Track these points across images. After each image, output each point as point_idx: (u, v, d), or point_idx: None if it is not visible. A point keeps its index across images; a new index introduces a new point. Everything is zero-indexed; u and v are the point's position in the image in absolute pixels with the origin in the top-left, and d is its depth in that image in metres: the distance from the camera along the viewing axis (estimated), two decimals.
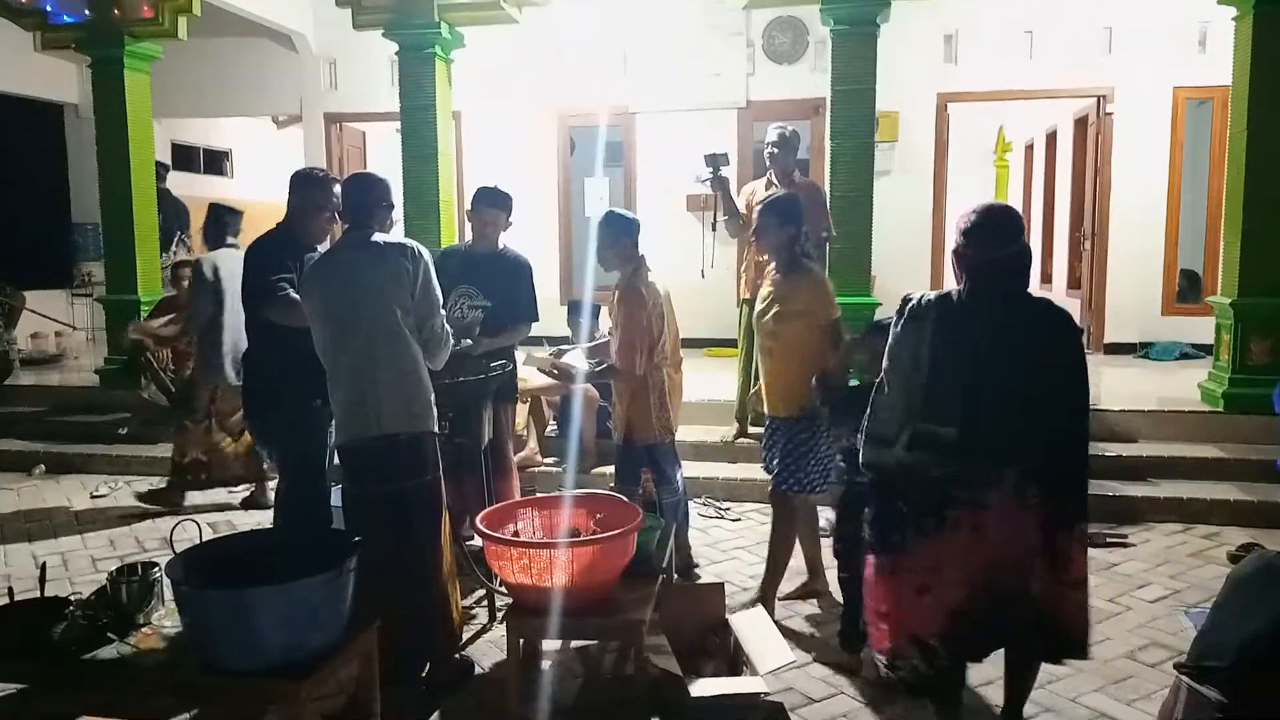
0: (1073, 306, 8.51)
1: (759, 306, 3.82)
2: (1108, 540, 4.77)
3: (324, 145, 9.40)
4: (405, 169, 6.75)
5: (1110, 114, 8.14)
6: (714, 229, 5.88)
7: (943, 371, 2.61)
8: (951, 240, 2.76)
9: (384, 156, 9.47)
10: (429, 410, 3.15)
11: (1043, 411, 2.58)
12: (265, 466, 5.33)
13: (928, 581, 2.62)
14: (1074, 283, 9.38)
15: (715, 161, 5.67)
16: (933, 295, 2.71)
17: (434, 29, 6.53)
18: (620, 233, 4.00)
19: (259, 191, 11.75)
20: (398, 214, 3.61)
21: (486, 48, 7.71)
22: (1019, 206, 13.52)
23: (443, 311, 3.23)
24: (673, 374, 4.10)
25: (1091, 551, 4.61)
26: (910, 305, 2.71)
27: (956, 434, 2.56)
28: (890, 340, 2.73)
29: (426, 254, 3.16)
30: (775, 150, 5.47)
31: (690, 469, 5.72)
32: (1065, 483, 2.63)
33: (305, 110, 9.49)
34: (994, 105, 9.83)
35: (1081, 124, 8.93)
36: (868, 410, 2.76)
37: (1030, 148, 12.11)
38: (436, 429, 3.20)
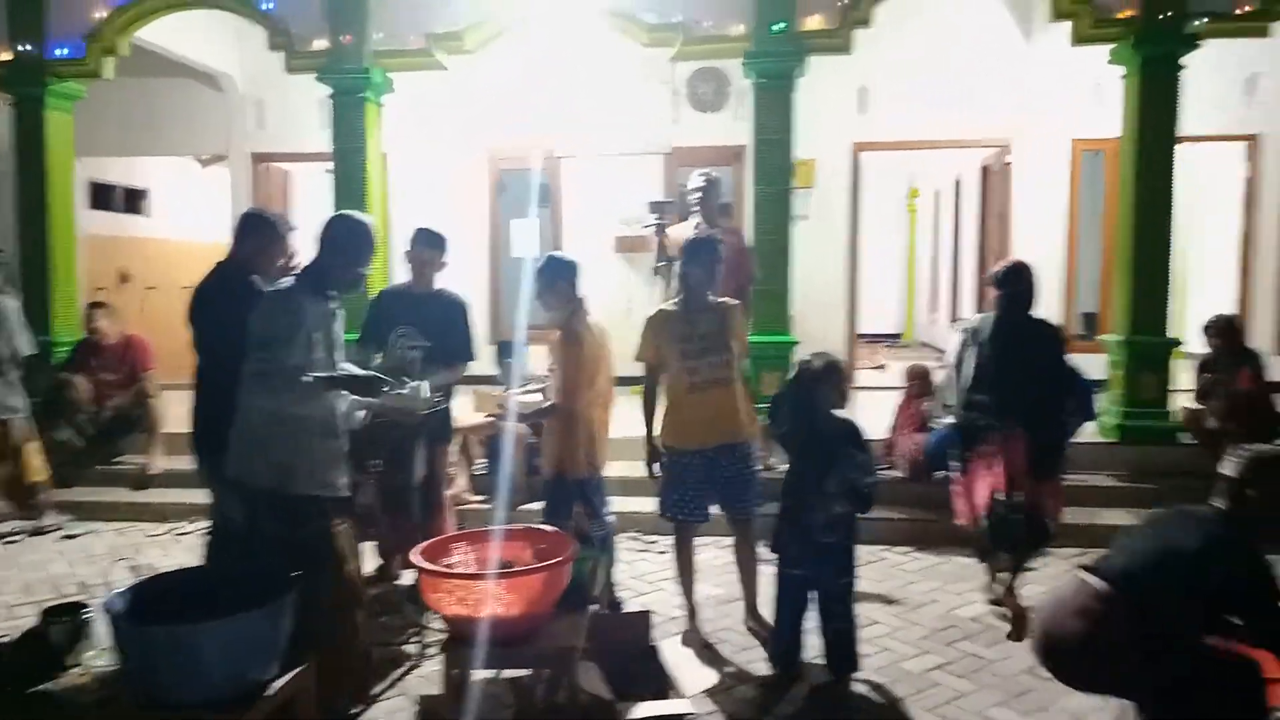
0: None
1: (693, 346, 4.01)
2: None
3: (250, 185, 9.36)
4: (336, 210, 6.81)
5: (1012, 163, 8.65)
6: (656, 273, 6.07)
7: (984, 362, 4.34)
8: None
9: (311, 196, 9.49)
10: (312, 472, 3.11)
11: (1037, 390, 4.23)
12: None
13: (977, 483, 4.39)
14: None
15: (660, 208, 5.92)
16: (977, 318, 4.64)
17: (365, 74, 6.66)
18: (559, 275, 4.12)
19: (179, 231, 11.61)
20: None
21: (417, 91, 7.84)
22: (930, 250, 14.14)
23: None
24: (601, 412, 4.24)
25: (995, 575, 4.91)
26: (967, 324, 4.61)
27: (991, 399, 4.29)
28: (956, 347, 4.51)
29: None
30: (700, 195, 5.73)
31: (617, 503, 5.85)
32: (1053, 432, 4.34)
33: (231, 150, 9.46)
34: (906, 153, 10.31)
35: (986, 172, 9.46)
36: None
37: (940, 194, 12.70)
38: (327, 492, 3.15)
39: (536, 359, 5.29)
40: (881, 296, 14.71)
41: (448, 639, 3.12)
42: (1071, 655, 2.85)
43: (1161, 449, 6.06)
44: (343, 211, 3.37)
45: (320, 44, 6.76)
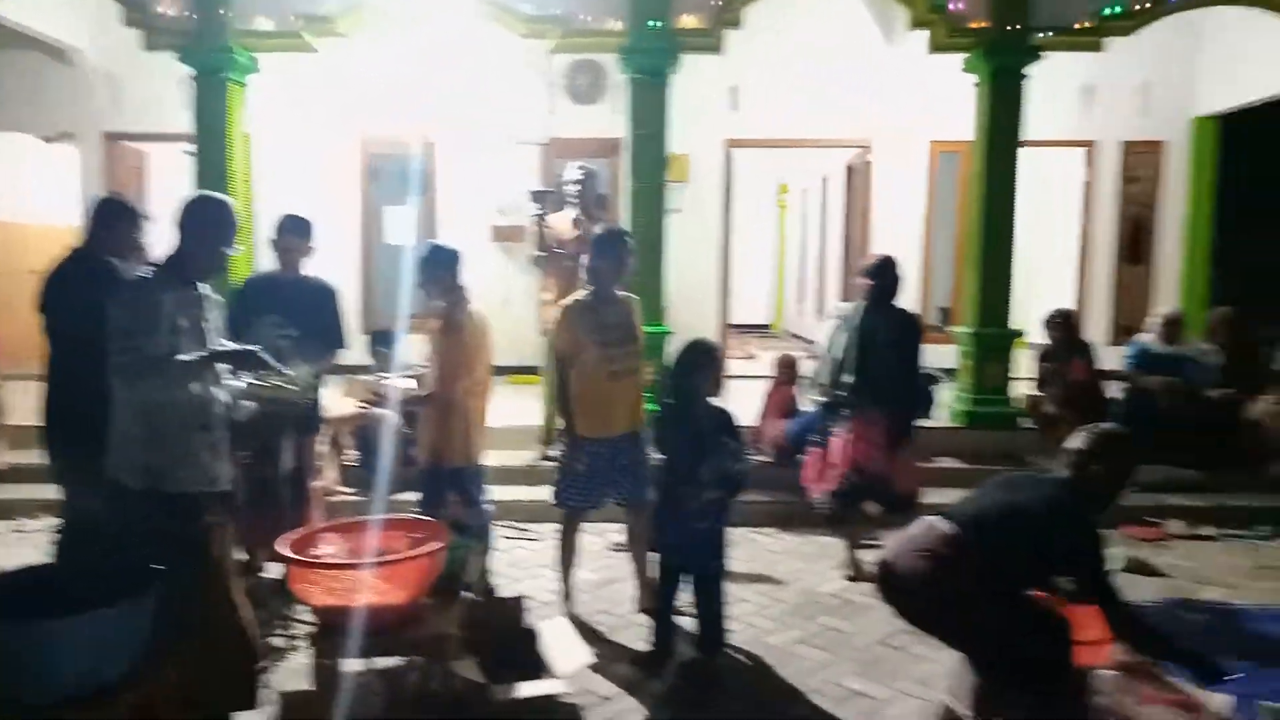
0: None
1: (609, 336, 4.10)
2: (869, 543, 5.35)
3: (102, 165, 8.87)
4: (196, 192, 6.55)
5: (873, 163, 9.06)
6: (534, 263, 6.10)
7: (851, 346, 4.73)
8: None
9: (169, 177, 9.05)
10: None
11: (896, 373, 4.69)
12: None
13: (835, 460, 4.78)
14: None
15: (541, 198, 5.95)
16: (848, 306, 4.95)
17: (228, 54, 6.41)
18: (441, 264, 4.14)
19: (15, 212, 10.85)
20: None
21: (285, 72, 7.60)
22: (797, 244, 14.63)
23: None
24: (479, 401, 4.27)
25: (854, 552, 5.18)
26: (841, 310, 4.97)
27: (855, 381, 4.69)
28: (830, 332, 4.90)
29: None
30: (578, 188, 5.82)
31: (494, 493, 5.89)
32: (905, 412, 4.81)
33: (81, 128, 8.93)
34: (777, 151, 10.64)
35: (850, 171, 9.87)
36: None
37: (808, 191, 13.15)
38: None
39: (413, 347, 5.25)
40: (753, 288, 15.14)
41: (316, 630, 3.10)
42: (911, 593, 3.04)
43: (1005, 434, 6.51)
44: (202, 193, 3.23)
45: (181, 21, 6.47)
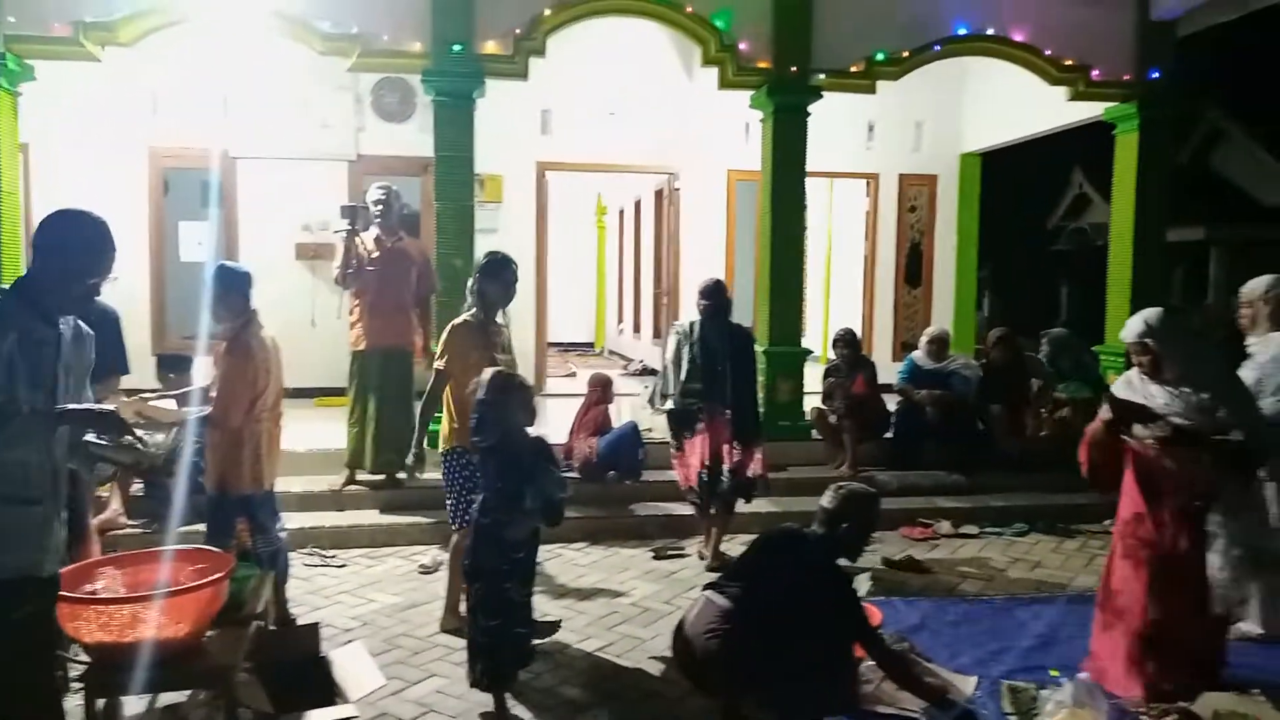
0: (656, 355, 9.67)
1: (501, 354, 4.38)
2: (668, 554, 5.62)
3: None
4: None
5: (679, 189, 9.48)
6: (340, 280, 6.03)
7: (695, 358, 5.39)
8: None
9: None
10: None
11: (739, 379, 5.39)
12: None
13: (692, 455, 5.42)
14: (657, 331, 10.64)
15: (353, 214, 5.88)
16: (687, 322, 5.57)
17: None
18: (230, 287, 4.04)
19: None
20: None
21: (66, 80, 7.16)
22: (615, 265, 14.99)
23: None
24: (271, 427, 4.19)
25: (655, 562, 5.45)
26: (680, 327, 5.58)
27: (702, 388, 5.36)
28: (673, 347, 5.54)
29: None
30: (379, 208, 5.84)
31: (297, 519, 5.77)
32: (748, 413, 5.51)
33: None
34: (595, 174, 10.92)
35: (659, 196, 10.26)
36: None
37: (622, 213, 13.52)
38: None
39: (207, 371, 5.06)
40: (574, 307, 15.35)
41: (89, 668, 2.97)
42: (710, 669, 3.30)
43: (798, 444, 6.96)
44: (65, 209, 2.67)
45: None
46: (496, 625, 3.49)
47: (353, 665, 3.64)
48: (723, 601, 3.31)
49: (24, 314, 2.45)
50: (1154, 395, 3.68)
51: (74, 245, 2.55)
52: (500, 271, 4.45)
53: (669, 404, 5.56)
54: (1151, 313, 3.73)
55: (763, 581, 3.35)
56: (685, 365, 5.44)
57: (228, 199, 8.71)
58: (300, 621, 4.40)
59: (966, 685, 3.88)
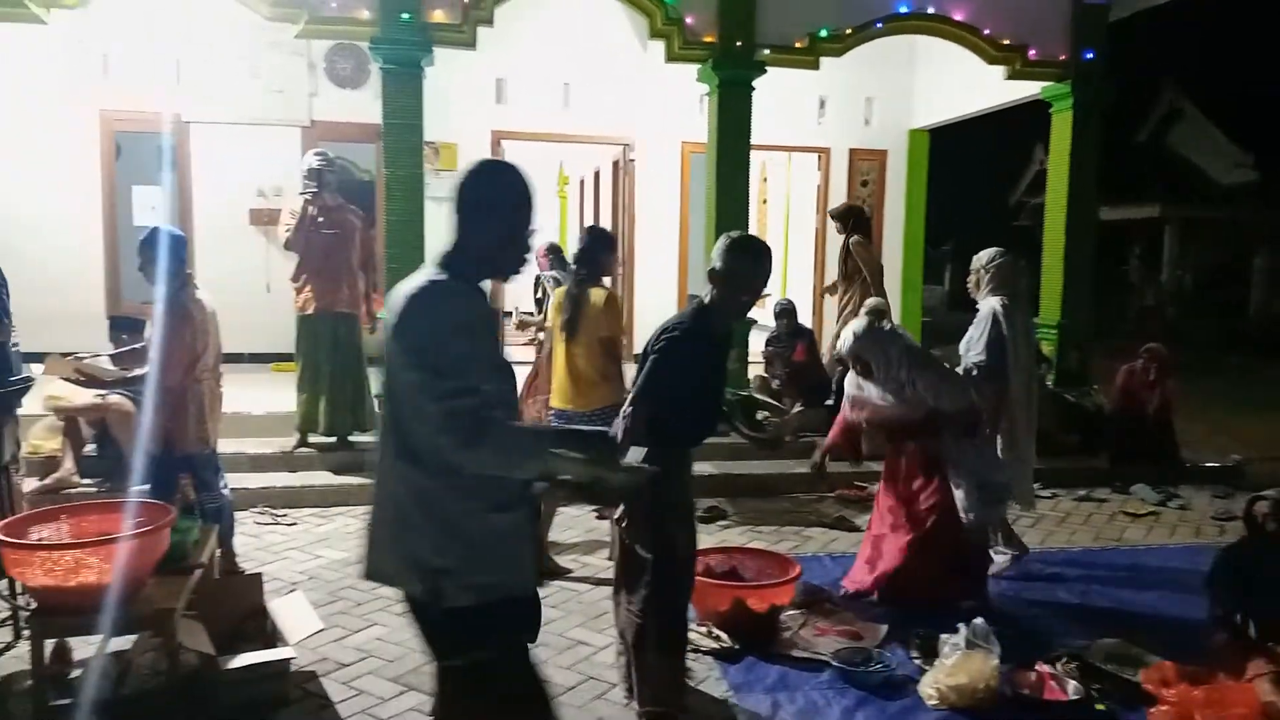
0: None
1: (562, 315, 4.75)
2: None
3: None
4: None
5: (634, 160, 9.60)
6: (289, 245, 6.12)
7: None
8: None
9: None
10: None
11: None
12: None
13: None
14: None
15: (318, 177, 5.94)
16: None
17: None
18: (165, 250, 4.15)
19: None
20: None
21: (14, 42, 7.14)
22: (575, 234, 15.07)
23: None
24: (214, 387, 4.32)
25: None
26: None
27: None
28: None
29: None
30: (323, 175, 5.93)
31: (249, 479, 5.94)
32: None
33: None
34: (557, 144, 10.97)
35: (616, 167, 10.36)
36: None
37: (583, 183, 13.60)
38: None
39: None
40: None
41: (34, 611, 3.12)
42: None
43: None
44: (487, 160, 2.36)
45: None
46: None
47: (293, 612, 3.81)
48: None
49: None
50: (871, 392, 4.51)
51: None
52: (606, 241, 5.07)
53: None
54: (858, 324, 4.55)
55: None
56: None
57: (181, 163, 8.70)
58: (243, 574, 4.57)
59: (877, 632, 4.15)
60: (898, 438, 4.62)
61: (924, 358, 4.59)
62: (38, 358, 4.76)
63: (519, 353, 9.72)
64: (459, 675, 2.16)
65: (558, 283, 5.98)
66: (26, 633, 3.68)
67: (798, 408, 6.78)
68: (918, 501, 4.55)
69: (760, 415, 4.38)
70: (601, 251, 4.85)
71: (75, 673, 3.46)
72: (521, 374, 7.23)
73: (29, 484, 5.33)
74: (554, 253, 6.50)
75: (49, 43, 7.66)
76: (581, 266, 4.84)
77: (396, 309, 2.07)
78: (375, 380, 6.51)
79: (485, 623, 2.08)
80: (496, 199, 2.15)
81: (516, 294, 7.89)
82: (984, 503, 4.59)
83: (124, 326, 5.73)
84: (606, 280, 4.93)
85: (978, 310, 4.84)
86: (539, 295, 6.33)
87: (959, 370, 4.71)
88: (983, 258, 4.93)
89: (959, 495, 4.54)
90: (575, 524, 5.73)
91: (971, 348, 4.73)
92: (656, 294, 9.53)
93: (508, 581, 2.12)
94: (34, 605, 3.15)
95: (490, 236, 2.14)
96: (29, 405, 4.41)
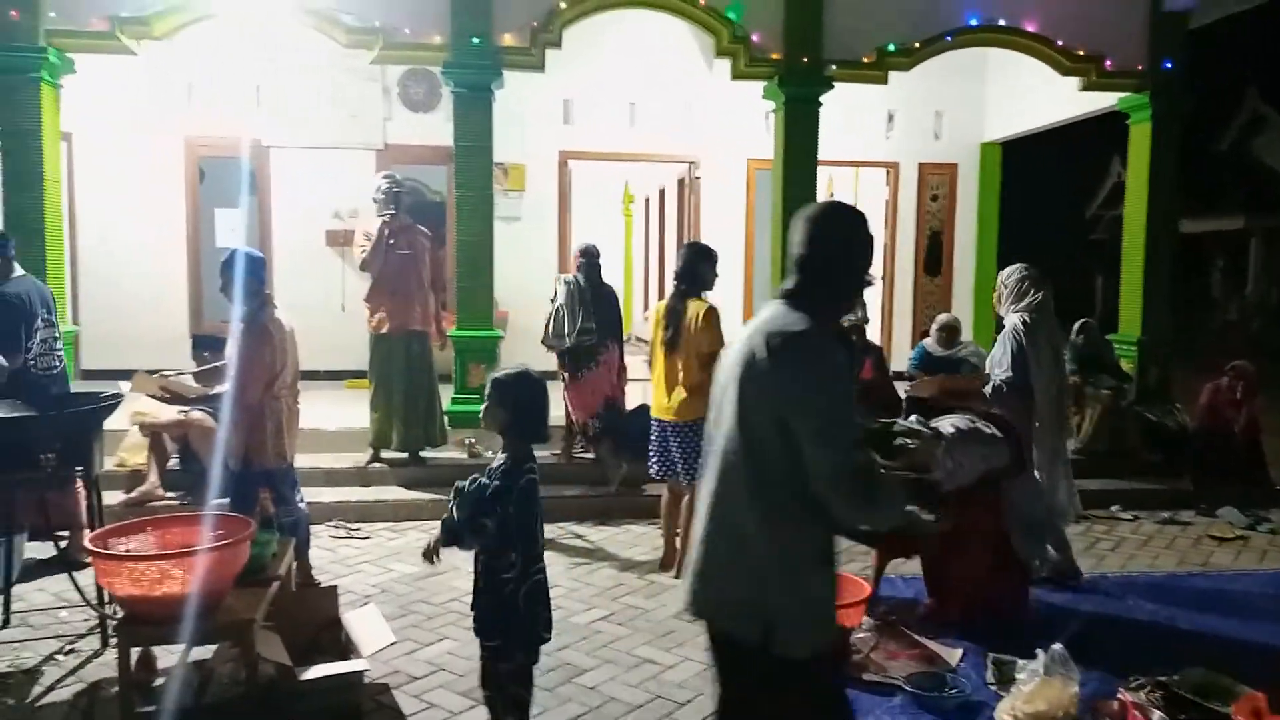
0: None
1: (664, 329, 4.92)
2: None
3: None
4: (6, 197, 6.38)
5: (699, 178, 9.63)
6: (365, 267, 6.23)
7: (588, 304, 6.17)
8: None
9: None
10: None
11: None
12: None
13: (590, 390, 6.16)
14: None
15: (395, 199, 6.09)
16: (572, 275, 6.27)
17: (39, 54, 6.26)
18: (245, 270, 4.29)
19: None
20: None
21: (106, 72, 7.49)
22: (642, 252, 15.17)
23: None
24: (291, 404, 4.44)
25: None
26: (568, 278, 6.20)
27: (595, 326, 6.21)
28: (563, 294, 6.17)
29: None
30: (386, 196, 6.06)
31: (324, 494, 6.07)
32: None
33: None
34: (623, 163, 11.08)
35: (681, 185, 10.41)
36: None
37: (648, 201, 13.68)
38: None
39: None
40: None
41: (121, 620, 3.23)
42: None
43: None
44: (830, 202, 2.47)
45: None
46: None
47: (367, 625, 3.88)
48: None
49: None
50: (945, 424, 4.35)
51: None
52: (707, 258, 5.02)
53: (566, 342, 6.10)
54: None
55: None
56: (579, 310, 6.07)
57: (260, 187, 9.03)
58: (320, 587, 4.67)
59: (952, 656, 4.05)
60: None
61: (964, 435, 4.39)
62: (125, 375, 4.97)
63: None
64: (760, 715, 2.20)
65: (567, 285, 6.19)
66: (114, 641, 3.83)
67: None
68: (971, 519, 4.39)
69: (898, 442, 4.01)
70: (701, 265, 4.93)
71: (159, 681, 3.57)
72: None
73: (116, 496, 5.55)
74: (587, 255, 6.45)
75: (137, 74, 8.01)
76: (682, 280, 4.94)
77: (760, 348, 2.02)
78: (446, 398, 6.62)
79: (811, 671, 2.10)
80: (852, 238, 2.18)
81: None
82: (1031, 539, 4.65)
83: (206, 345, 5.92)
84: (708, 294, 5.00)
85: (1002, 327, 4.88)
86: (552, 296, 6.35)
87: (987, 389, 4.78)
88: (1008, 272, 4.97)
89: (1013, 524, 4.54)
90: (642, 541, 5.73)
91: (997, 365, 4.77)
92: (721, 312, 9.50)
93: (831, 634, 2.21)
94: (121, 614, 3.27)
95: (850, 276, 2.19)
96: (117, 421, 4.60)
